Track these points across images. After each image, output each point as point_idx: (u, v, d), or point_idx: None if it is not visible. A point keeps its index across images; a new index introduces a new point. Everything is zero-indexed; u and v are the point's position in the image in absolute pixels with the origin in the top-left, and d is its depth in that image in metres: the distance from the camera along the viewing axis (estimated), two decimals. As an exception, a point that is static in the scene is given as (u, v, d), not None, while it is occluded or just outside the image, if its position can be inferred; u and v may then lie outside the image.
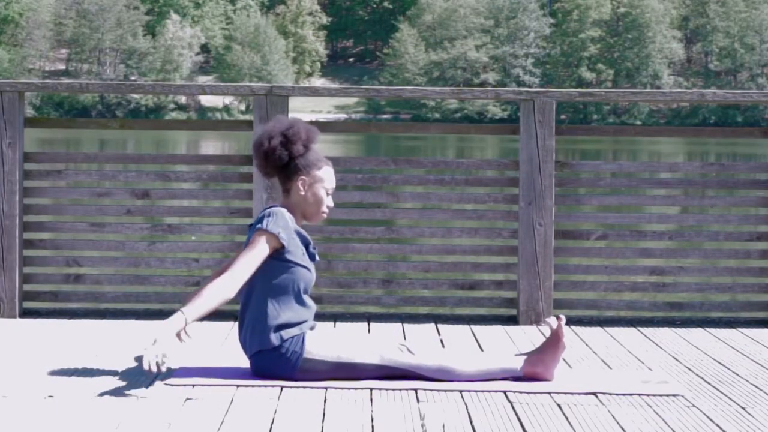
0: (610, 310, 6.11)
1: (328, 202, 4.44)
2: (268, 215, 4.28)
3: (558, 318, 4.40)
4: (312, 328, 4.34)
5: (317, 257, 4.44)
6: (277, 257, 4.27)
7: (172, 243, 6.06)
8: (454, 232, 6.02)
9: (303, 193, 4.38)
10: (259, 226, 4.26)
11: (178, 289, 6.18)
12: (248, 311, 4.30)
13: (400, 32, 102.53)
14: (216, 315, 5.97)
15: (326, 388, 4.18)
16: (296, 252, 4.30)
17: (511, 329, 5.72)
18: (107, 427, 3.58)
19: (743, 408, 4.02)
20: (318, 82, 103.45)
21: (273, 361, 4.26)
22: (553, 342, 4.37)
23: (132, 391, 4.11)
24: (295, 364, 4.25)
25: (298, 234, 4.34)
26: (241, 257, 4.23)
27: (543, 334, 5.58)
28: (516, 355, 4.42)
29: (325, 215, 4.45)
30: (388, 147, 45.83)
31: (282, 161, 4.34)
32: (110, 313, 5.99)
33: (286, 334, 4.25)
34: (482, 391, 4.18)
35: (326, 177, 4.42)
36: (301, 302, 4.32)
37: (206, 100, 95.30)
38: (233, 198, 6.06)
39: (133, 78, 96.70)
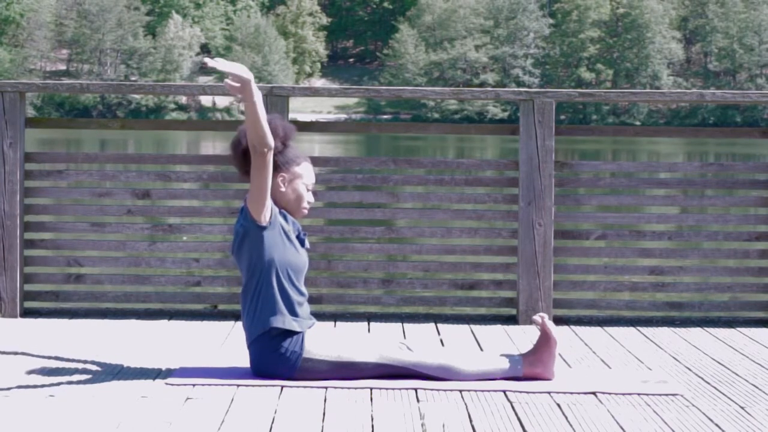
0: (609, 310, 6.12)
1: (309, 197, 4.43)
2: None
3: (541, 317, 4.42)
4: (310, 327, 4.35)
5: (308, 244, 4.44)
6: (269, 228, 4.26)
7: (173, 243, 6.07)
8: (454, 232, 6.02)
9: (283, 189, 4.39)
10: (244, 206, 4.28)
11: (179, 289, 6.19)
12: (246, 297, 4.31)
13: (400, 32, 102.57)
14: (216, 315, 5.99)
15: (326, 388, 4.19)
16: (283, 225, 4.32)
17: (511, 329, 5.72)
18: (107, 427, 3.59)
19: (743, 408, 4.03)
20: (318, 82, 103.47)
21: (273, 361, 4.27)
22: (545, 340, 4.39)
23: (132, 391, 4.11)
24: (294, 364, 4.26)
25: (284, 216, 4.35)
26: (252, 173, 4.22)
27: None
28: (514, 356, 4.43)
29: (305, 211, 4.44)
30: (388, 147, 45.82)
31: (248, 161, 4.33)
32: (111, 312, 6.00)
33: (288, 321, 4.25)
34: (482, 391, 4.19)
35: (305, 173, 4.42)
36: (294, 286, 4.32)
37: (207, 100, 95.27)
38: (233, 198, 6.07)
39: (133, 78, 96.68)
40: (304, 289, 4.38)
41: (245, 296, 4.32)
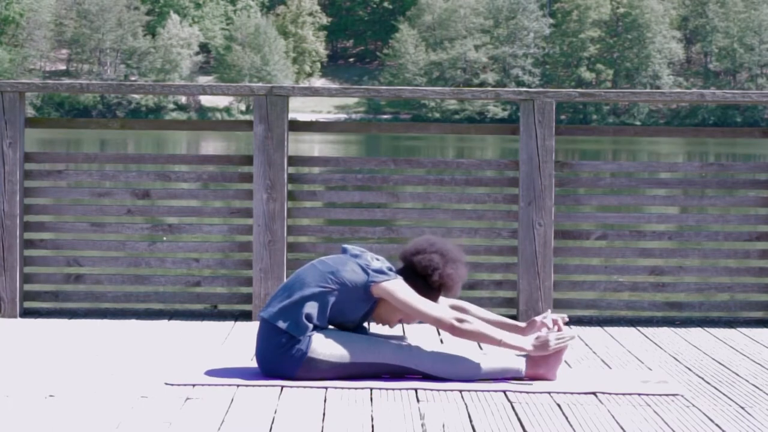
0: (610, 310, 6.11)
1: (394, 326, 4.49)
2: (392, 276, 4.37)
3: (561, 318, 4.41)
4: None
5: (365, 330, 4.52)
6: (370, 298, 4.35)
7: (173, 243, 6.07)
8: (454, 232, 6.01)
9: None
10: (387, 277, 4.34)
11: (178, 289, 6.18)
12: (300, 284, 4.33)
13: (400, 32, 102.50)
14: (216, 315, 5.99)
15: (326, 388, 4.19)
16: (368, 310, 4.40)
17: (511, 329, 5.71)
18: (107, 427, 3.59)
19: (743, 408, 4.03)
20: (318, 82, 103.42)
21: (278, 355, 4.27)
22: (554, 342, 4.38)
23: (132, 391, 4.11)
24: (298, 362, 4.26)
25: (372, 308, 4.42)
26: (420, 308, 4.33)
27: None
28: (518, 355, 4.42)
29: (382, 326, 4.58)
30: (388, 147, 45.81)
31: (416, 269, 4.40)
32: (110, 312, 6.00)
33: (306, 336, 4.28)
34: (482, 391, 4.19)
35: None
36: (329, 322, 4.38)
37: (206, 100, 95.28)
38: (233, 198, 6.06)
39: (133, 78, 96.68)
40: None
41: (301, 283, 4.33)
